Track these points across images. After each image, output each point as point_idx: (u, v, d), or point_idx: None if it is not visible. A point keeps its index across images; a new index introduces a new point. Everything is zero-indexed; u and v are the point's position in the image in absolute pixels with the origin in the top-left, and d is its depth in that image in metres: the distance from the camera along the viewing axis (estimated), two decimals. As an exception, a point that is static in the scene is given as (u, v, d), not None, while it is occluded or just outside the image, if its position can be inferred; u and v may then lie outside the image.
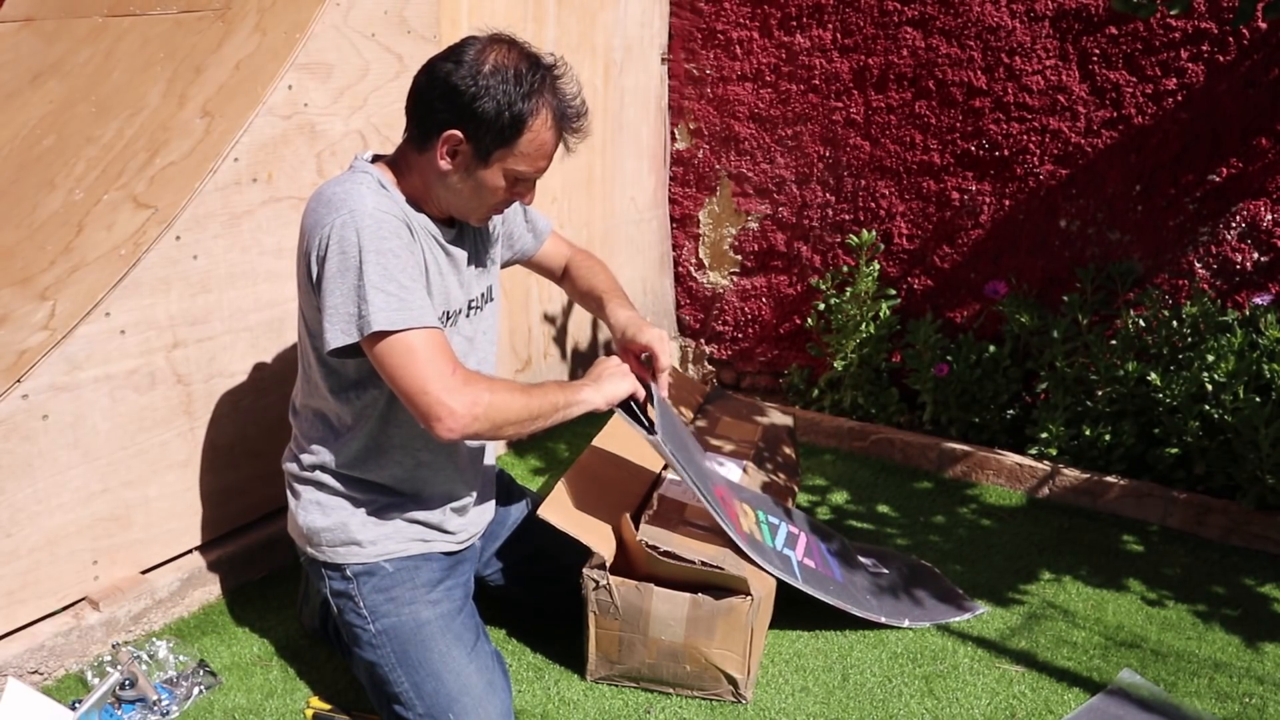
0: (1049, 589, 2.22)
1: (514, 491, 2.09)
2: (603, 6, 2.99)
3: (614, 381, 1.75)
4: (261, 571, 2.22)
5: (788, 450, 2.46)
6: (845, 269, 3.09)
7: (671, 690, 1.85)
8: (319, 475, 1.76)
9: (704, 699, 1.84)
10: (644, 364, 1.87)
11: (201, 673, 1.88)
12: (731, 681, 1.82)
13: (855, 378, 3.04)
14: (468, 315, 1.80)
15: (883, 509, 2.61)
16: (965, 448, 2.77)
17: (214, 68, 2.15)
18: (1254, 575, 2.27)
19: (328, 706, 1.81)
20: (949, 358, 2.83)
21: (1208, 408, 2.41)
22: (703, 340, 3.52)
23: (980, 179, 2.90)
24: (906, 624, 2.05)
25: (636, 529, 1.79)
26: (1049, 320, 2.74)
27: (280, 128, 2.10)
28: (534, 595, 2.02)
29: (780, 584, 1.89)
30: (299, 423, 1.81)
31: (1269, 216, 2.55)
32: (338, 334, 1.57)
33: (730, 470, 2.15)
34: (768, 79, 3.16)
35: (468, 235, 1.79)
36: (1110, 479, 2.56)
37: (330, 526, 1.74)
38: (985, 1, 2.78)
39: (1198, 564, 2.32)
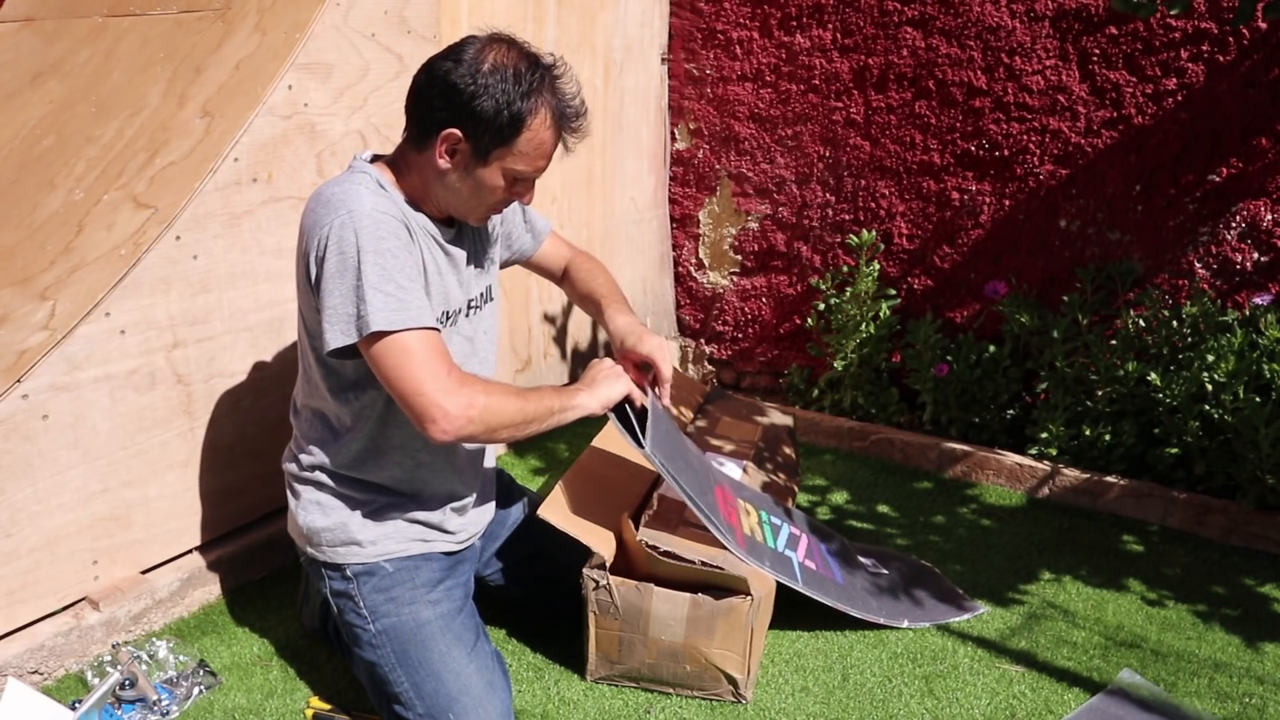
0: (1049, 589, 2.22)
1: (514, 492, 2.09)
2: (603, 6, 2.99)
3: (608, 385, 1.75)
4: (261, 571, 2.22)
5: (788, 450, 2.46)
6: (845, 269, 3.09)
7: (671, 690, 1.85)
8: (319, 475, 1.76)
9: (704, 699, 1.84)
10: (643, 370, 1.86)
11: (201, 673, 1.88)
12: (731, 681, 1.82)
13: (855, 378, 3.04)
14: (467, 315, 1.80)
15: (883, 509, 2.61)
16: (965, 448, 2.77)
17: (214, 68, 2.15)
18: (1254, 575, 2.27)
19: (328, 706, 1.81)
20: (949, 358, 2.83)
21: (1208, 408, 2.41)
22: (703, 340, 3.52)
23: (980, 179, 2.90)
24: (906, 624, 2.05)
25: (636, 529, 1.79)
26: (1049, 320, 2.74)
27: (280, 128, 2.10)
28: (534, 595, 2.02)
29: (780, 585, 1.89)
30: (299, 423, 1.81)
31: (1269, 216, 2.55)
32: (337, 334, 1.57)
33: (730, 470, 2.15)
34: (768, 79, 3.16)
35: (467, 235, 1.79)
36: (1110, 479, 2.56)
37: (330, 526, 1.74)
38: (985, 1, 2.78)
39: (1198, 564, 2.32)
